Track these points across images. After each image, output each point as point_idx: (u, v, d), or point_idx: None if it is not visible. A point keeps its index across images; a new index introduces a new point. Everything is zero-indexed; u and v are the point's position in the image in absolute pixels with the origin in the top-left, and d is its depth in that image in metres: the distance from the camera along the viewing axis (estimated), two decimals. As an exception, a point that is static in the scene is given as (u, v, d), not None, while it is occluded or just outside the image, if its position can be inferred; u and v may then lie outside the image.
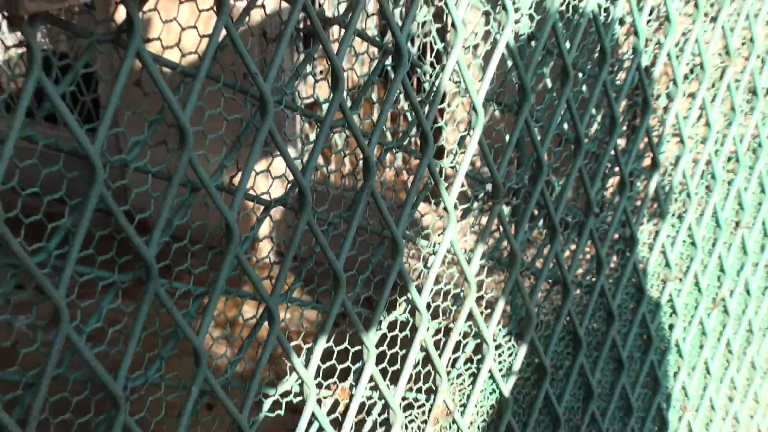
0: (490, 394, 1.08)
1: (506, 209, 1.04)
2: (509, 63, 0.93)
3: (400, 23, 0.78)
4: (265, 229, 0.90)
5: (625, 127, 1.24)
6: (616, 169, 1.21)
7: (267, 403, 0.90)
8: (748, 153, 1.61)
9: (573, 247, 1.15)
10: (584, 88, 1.15)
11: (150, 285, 0.71)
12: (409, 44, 0.80)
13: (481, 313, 0.96)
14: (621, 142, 1.22)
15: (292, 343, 0.81)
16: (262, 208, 0.89)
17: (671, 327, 1.46)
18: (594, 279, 1.22)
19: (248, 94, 0.82)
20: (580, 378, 1.23)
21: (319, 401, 0.88)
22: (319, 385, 0.89)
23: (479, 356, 1.01)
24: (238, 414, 0.79)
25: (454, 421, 1.01)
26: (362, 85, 0.89)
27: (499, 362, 1.08)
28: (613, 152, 1.14)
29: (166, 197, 0.70)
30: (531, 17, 0.90)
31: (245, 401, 0.79)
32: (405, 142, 0.97)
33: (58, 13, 0.68)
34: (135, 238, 0.69)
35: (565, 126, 1.07)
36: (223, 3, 0.67)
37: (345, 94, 0.77)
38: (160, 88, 0.65)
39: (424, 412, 0.98)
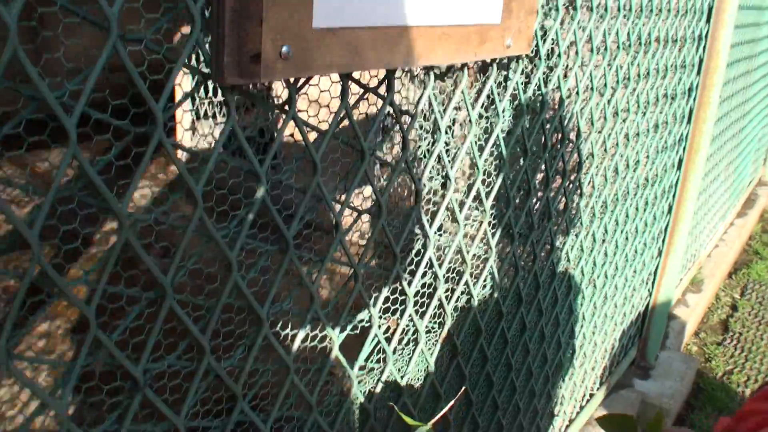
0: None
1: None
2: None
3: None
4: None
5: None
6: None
7: (350, 326, 1.36)
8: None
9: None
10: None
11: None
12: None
13: (471, 282, 1.62)
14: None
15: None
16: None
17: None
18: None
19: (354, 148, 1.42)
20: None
21: (379, 326, 1.38)
22: (378, 317, 1.39)
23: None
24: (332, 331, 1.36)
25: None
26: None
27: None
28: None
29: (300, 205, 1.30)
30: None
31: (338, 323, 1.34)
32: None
33: (249, 88, 0.92)
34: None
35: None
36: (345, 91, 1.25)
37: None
38: (303, 137, 1.24)
39: (437, 335, 1.61)
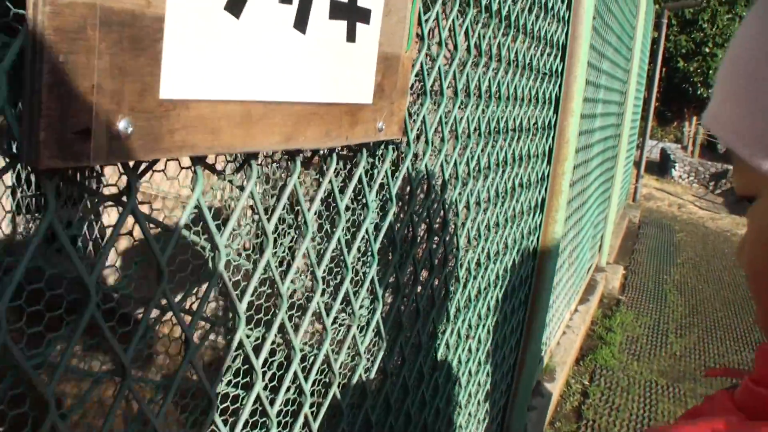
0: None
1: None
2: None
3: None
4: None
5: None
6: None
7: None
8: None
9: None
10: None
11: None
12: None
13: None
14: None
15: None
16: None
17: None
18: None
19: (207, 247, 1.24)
20: None
21: None
22: None
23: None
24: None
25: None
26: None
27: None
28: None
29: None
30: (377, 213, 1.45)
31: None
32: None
33: (71, 174, 0.74)
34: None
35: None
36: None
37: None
38: (146, 237, 1.03)
39: None
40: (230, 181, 0.98)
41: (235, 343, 1.09)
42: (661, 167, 17.15)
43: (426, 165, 1.52)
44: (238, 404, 1.16)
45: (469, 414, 2.56)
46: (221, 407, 1.16)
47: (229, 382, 1.40)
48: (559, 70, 2.72)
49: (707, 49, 21.04)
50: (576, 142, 2.88)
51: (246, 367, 1.13)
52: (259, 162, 1.00)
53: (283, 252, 1.28)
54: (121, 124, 0.64)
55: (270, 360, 1.36)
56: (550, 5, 2.40)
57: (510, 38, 2.01)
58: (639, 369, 5.22)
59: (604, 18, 4.35)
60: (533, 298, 3.00)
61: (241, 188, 0.97)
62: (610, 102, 5.70)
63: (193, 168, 0.85)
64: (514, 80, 2.13)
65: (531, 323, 3.05)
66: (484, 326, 2.40)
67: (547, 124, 2.71)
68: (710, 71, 21.01)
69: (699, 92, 21.52)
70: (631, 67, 7.03)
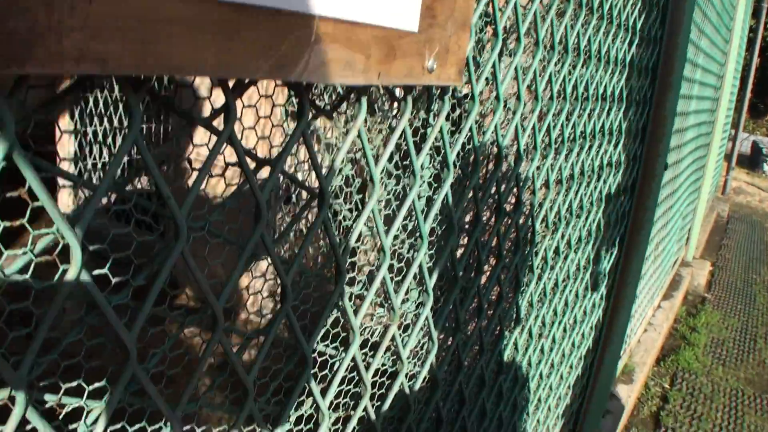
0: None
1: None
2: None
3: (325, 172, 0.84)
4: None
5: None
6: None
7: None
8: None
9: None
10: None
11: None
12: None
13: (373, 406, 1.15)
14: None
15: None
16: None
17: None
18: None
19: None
20: None
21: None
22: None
23: None
24: None
25: None
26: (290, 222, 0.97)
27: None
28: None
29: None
30: (429, 185, 1.15)
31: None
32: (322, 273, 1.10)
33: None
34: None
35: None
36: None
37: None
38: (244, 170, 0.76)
39: None
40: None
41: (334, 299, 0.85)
42: (752, 161, 16.29)
43: (496, 127, 1.21)
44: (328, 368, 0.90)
45: (538, 421, 2.25)
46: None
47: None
48: (658, 35, 2.36)
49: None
50: (674, 120, 2.52)
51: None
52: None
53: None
54: None
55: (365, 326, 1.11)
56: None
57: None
58: (724, 375, 4.80)
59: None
60: (617, 293, 2.66)
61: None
62: (706, 85, 5.26)
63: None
64: (607, 39, 1.80)
65: (613, 321, 2.71)
66: (560, 324, 2.09)
67: (642, 97, 2.37)
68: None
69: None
70: (729, 49, 6.53)
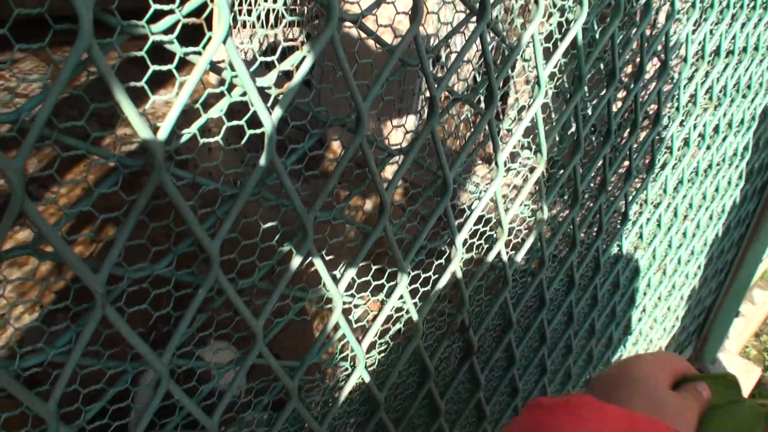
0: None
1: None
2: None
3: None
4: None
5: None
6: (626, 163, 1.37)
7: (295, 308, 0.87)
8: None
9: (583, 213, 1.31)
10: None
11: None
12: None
13: (507, 253, 1.11)
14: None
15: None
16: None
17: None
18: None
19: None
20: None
21: (348, 311, 0.88)
22: (351, 296, 0.90)
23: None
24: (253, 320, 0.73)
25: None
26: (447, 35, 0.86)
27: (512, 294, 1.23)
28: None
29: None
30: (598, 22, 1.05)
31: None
32: (472, 99, 1.01)
33: None
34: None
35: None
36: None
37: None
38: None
39: (445, 326, 1.13)
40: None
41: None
42: None
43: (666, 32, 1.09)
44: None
45: (668, 308, 2.17)
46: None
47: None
48: None
49: None
50: None
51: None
52: None
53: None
54: None
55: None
56: None
57: None
58: None
59: None
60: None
61: None
62: None
63: None
64: None
65: (762, 217, 2.55)
66: (707, 209, 1.97)
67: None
68: None
69: None
70: None
